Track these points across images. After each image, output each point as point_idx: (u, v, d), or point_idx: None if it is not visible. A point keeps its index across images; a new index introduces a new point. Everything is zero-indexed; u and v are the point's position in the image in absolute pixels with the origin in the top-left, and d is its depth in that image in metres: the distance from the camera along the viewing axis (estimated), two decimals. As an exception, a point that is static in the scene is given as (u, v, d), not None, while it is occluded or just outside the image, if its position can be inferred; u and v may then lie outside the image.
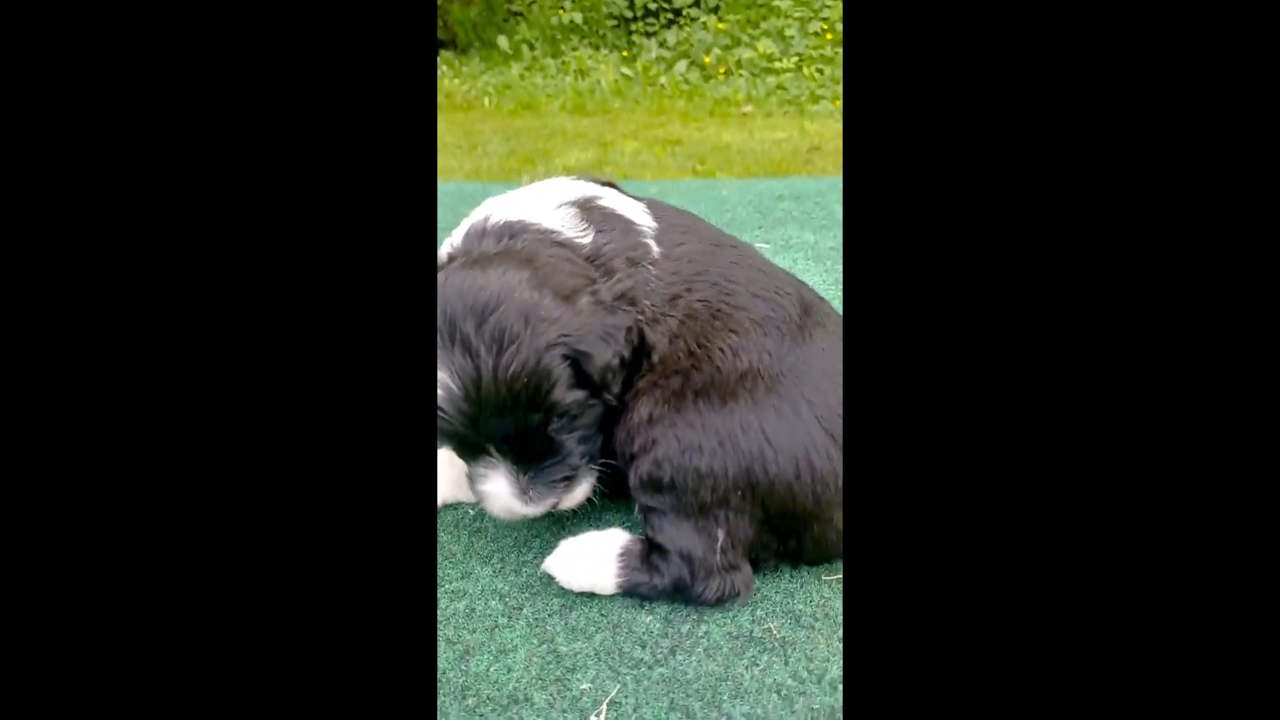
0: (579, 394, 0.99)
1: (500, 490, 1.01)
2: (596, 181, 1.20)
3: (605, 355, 0.99)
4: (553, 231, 1.09)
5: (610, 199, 1.15)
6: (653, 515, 1.04)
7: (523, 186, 1.22)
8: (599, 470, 1.09)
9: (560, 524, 1.22)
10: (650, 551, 1.05)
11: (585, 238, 1.09)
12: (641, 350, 1.05)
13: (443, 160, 4.57)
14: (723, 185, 3.03)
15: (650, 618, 1.06)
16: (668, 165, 4.56)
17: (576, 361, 0.98)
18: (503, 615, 1.07)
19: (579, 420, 1.02)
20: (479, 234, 1.10)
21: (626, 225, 1.12)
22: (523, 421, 0.96)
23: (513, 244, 1.07)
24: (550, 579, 1.11)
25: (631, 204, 1.16)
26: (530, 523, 1.23)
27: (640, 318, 1.06)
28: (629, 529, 1.16)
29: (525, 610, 1.08)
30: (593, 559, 1.07)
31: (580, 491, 1.07)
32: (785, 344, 1.05)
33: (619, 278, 1.05)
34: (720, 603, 1.04)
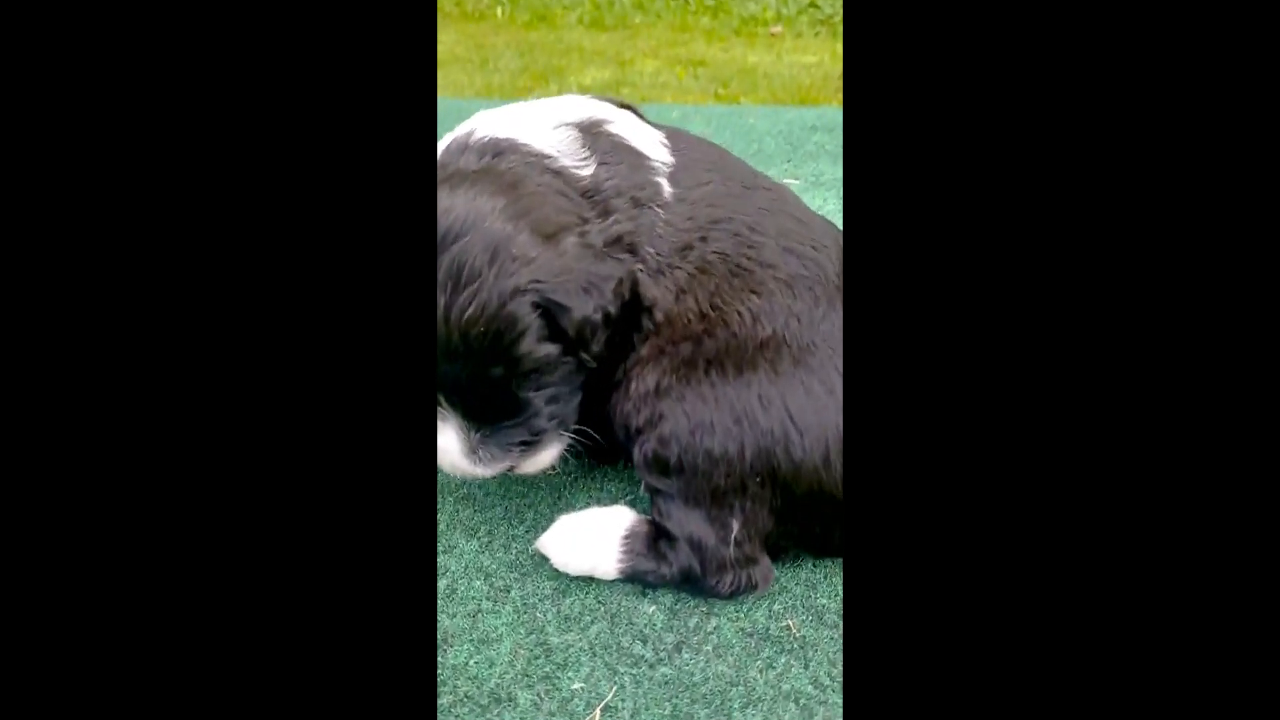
0: (550, 349, 0.85)
1: (448, 445, 0.88)
2: (612, 103, 1.03)
3: (585, 308, 0.84)
4: (547, 156, 0.93)
5: (623, 125, 0.98)
6: (659, 498, 0.91)
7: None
8: (573, 438, 0.95)
9: (557, 494, 1.10)
10: (658, 536, 0.92)
11: (585, 168, 0.93)
12: (637, 306, 0.90)
13: (451, 75, 4.33)
14: (750, 113, 2.81)
15: (653, 608, 0.94)
16: (689, 88, 4.32)
17: (551, 312, 0.83)
18: (487, 598, 0.96)
19: (549, 378, 0.88)
20: (459, 149, 0.94)
21: (637, 158, 0.96)
22: (479, 373, 0.83)
23: (495, 164, 0.91)
24: (543, 558, 1.00)
25: (648, 133, 1.00)
26: (523, 493, 1.10)
27: (640, 268, 0.90)
28: (633, 504, 1.04)
29: (513, 593, 0.96)
30: (593, 539, 0.95)
31: (544, 457, 0.94)
32: (819, 308, 0.90)
33: (616, 219, 0.90)
34: (734, 596, 0.92)
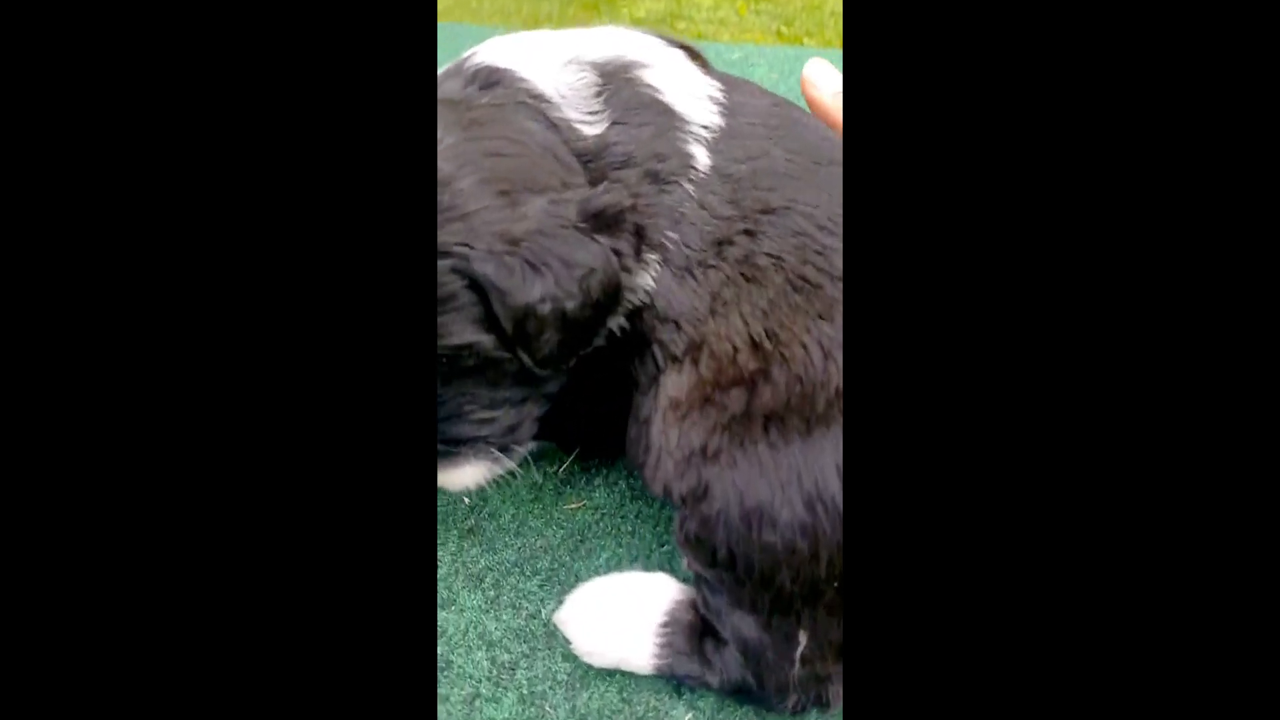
0: (482, 338, 0.66)
1: None
2: (665, 40, 0.80)
3: (528, 294, 0.64)
4: (545, 99, 0.72)
5: (661, 72, 0.75)
6: (704, 585, 0.71)
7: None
8: (519, 453, 0.78)
9: (580, 537, 0.91)
10: (704, 632, 0.73)
11: (592, 125, 0.72)
12: (647, 315, 0.71)
13: (495, 2, 4.05)
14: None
15: (690, 715, 0.75)
16: (750, 25, 4.00)
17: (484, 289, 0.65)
18: (488, 678, 0.78)
19: (481, 376, 0.69)
20: (450, 74, 0.75)
21: (666, 119, 0.73)
22: None
23: (475, 96, 0.72)
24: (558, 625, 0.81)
25: (696, 85, 0.76)
26: (539, 530, 0.92)
27: (655, 260, 0.70)
28: (673, 559, 0.85)
29: (519, 675, 0.78)
30: (625, 625, 0.75)
31: (463, 474, 0.76)
32: None
33: (607, 189, 0.68)
34: (797, 715, 0.73)
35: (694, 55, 0.81)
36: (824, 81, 0.94)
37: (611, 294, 0.67)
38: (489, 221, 0.64)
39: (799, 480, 0.64)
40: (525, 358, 0.68)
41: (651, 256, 0.70)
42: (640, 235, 0.69)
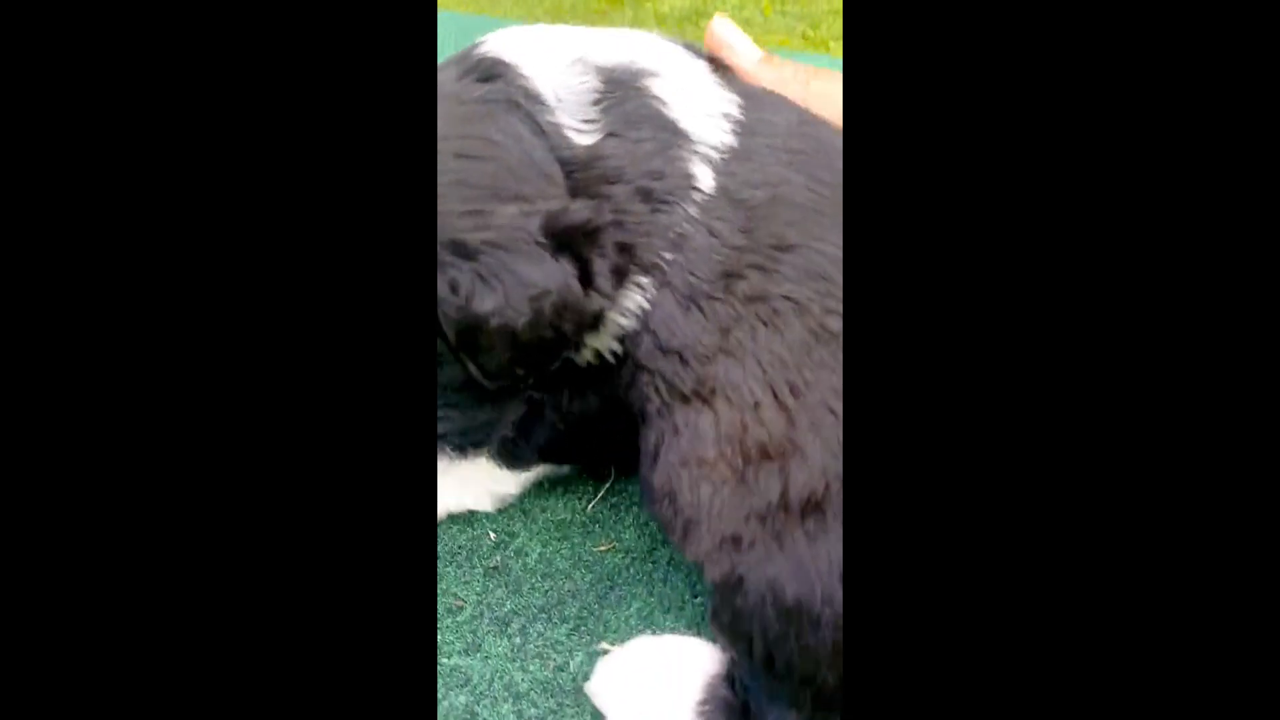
0: None
1: None
2: (689, 51, 0.75)
3: (478, 305, 0.62)
4: (539, 100, 0.68)
5: (673, 84, 0.70)
6: (737, 667, 0.68)
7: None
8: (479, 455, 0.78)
9: (609, 581, 0.88)
10: (744, 711, 0.70)
11: (587, 134, 0.67)
12: (631, 338, 0.68)
13: (518, -10, 4.00)
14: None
15: (726, 787, 0.73)
16: (775, 26, 3.95)
17: None
18: (515, 734, 0.76)
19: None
20: (451, 63, 0.72)
21: (669, 135, 0.68)
22: None
23: (466, 90, 0.69)
24: (586, 677, 0.79)
25: (710, 99, 0.70)
26: (567, 572, 0.89)
27: (645, 282, 0.66)
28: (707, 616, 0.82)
29: (548, 731, 0.76)
30: (660, 700, 0.72)
31: None
32: None
33: (583, 204, 0.65)
34: (842, 799, 0.70)
35: (718, 67, 0.75)
36: (742, 46, 0.79)
37: (571, 317, 0.64)
38: (445, 228, 0.61)
39: (841, 574, 0.61)
40: (472, 368, 0.65)
41: (643, 279, 0.66)
42: (628, 254, 0.65)
